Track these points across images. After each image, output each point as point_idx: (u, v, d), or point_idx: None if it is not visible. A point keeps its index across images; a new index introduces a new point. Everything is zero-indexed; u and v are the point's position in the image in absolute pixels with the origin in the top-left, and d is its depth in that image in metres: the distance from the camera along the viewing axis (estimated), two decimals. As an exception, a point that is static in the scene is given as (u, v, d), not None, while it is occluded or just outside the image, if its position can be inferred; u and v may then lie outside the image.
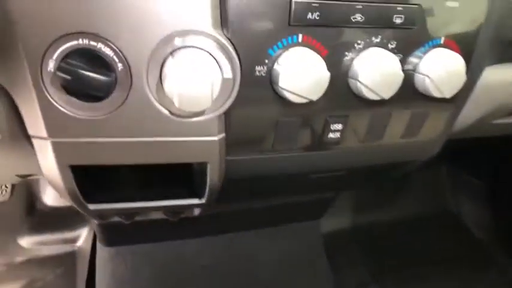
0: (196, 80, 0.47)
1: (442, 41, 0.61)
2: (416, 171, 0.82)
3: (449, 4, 0.59)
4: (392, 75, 0.56)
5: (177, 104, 0.47)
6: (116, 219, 0.81)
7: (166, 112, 0.51)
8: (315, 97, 0.54)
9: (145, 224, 1.08)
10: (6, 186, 1.30)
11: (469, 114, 0.80)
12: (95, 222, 1.09)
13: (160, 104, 0.50)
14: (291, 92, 0.52)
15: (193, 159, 0.57)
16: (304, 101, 0.53)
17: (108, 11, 0.45)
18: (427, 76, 0.59)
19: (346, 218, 1.67)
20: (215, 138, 0.55)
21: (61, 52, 0.46)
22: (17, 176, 0.77)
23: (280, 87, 0.52)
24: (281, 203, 1.18)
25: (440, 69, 0.59)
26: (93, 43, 0.47)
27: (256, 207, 1.19)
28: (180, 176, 0.64)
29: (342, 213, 1.70)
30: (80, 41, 0.46)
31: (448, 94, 0.61)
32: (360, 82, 0.55)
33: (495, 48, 0.71)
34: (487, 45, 0.67)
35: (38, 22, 0.44)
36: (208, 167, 0.58)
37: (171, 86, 0.47)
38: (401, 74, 0.56)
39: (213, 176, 0.59)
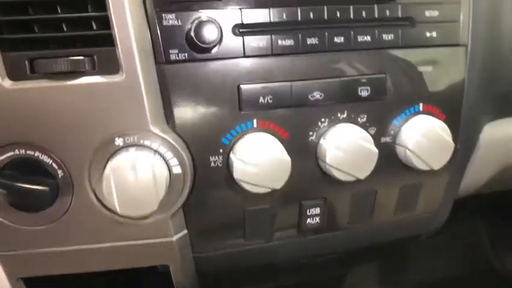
0: (137, 182, 0.43)
1: (420, 108, 0.55)
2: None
3: (422, 69, 0.54)
4: (365, 153, 0.51)
5: (118, 210, 0.43)
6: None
7: (112, 217, 0.47)
8: (277, 185, 0.49)
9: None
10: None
11: (476, 176, 0.72)
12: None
13: (106, 209, 0.46)
14: (248, 183, 0.47)
15: (151, 262, 0.52)
16: (266, 190, 0.48)
17: (40, 119, 0.44)
18: (407, 148, 0.53)
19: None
20: (172, 238, 0.50)
21: (-1, 163, 0.44)
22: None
23: (236, 178, 0.47)
24: (291, 283, 1.09)
25: (421, 139, 0.53)
26: (29, 152, 0.44)
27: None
28: (149, 277, 0.59)
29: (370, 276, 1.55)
30: (16, 152, 0.44)
31: (436, 165, 0.54)
32: (327, 164, 0.50)
33: (492, 102, 0.65)
34: (480, 102, 0.61)
35: None
36: (171, 268, 0.52)
37: (110, 191, 0.43)
38: (375, 151, 0.51)
39: (178, 277, 0.53)
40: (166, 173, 0.46)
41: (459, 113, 0.57)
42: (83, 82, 0.43)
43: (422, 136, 0.53)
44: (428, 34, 0.53)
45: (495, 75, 0.62)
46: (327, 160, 0.50)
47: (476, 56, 0.57)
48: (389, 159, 0.55)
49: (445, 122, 0.55)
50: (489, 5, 0.57)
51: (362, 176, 0.51)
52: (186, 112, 0.47)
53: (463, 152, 0.62)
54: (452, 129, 0.55)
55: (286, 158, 0.48)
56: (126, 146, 0.45)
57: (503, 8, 0.59)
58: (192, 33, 0.45)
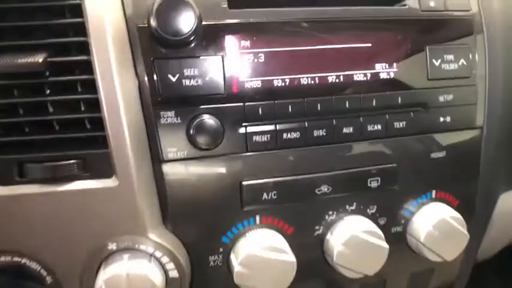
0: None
1: (433, 195, 0.52)
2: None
3: (435, 155, 0.51)
4: (375, 250, 0.48)
5: None
6: None
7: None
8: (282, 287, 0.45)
9: None
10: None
11: (493, 243, 0.69)
12: None
13: None
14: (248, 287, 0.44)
15: None
16: (269, 294, 0.45)
17: (29, 226, 0.41)
18: (419, 241, 0.50)
19: None
20: None
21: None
22: None
23: (237, 283, 0.44)
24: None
25: (433, 231, 0.50)
26: (17, 259, 0.42)
27: None
28: None
29: None
30: (2, 259, 0.41)
31: (449, 257, 0.51)
32: (334, 262, 0.47)
33: (507, 174, 0.62)
34: (495, 177, 0.58)
35: None
36: None
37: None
38: (385, 248, 0.48)
39: None
40: (162, 278, 0.43)
41: (474, 196, 0.54)
42: (73, 188, 0.40)
43: (435, 228, 0.50)
44: (442, 119, 0.50)
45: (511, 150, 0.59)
46: (334, 259, 0.47)
47: (492, 136, 0.54)
48: (400, 248, 0.52)
49: (459, 207, 0.52)
50: (505, 84, 0.54)
51: (371, 273, 0.48)
52: (185, 212, 0.44)
53: (479, 226, 0.59)
54: (467, 212, 0.52)
55: (291, 259, 0.45)
56: (120, 250, 0.42)
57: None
58: (193, 132, 0.42)
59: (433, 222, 0.50)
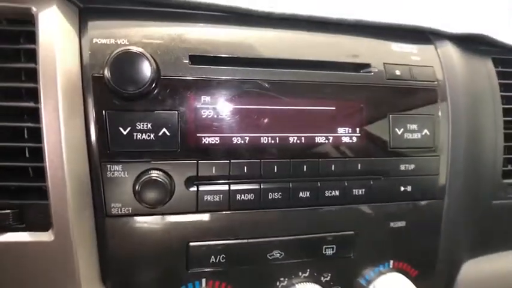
0: None
1: (391, 265, 0.50)
2: None
3: (394, 224, 0.49)
4: (325, 322, 0.45)
5: None
6: None
7: None
8: None
9: None
10: None
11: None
12: None
13: None
14: None
15: None
16: None
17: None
18: (374, 313, 0.48)
19: None
20: None
21: None
22: None
23: None
24: None
25: (389, 305, 0.47)
26: None
27: None
28: None
29: None
30: None
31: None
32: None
33: (470, 242, 0.60)
34: (459, 242, 0.57)
35: None
36: None
37: None
38: (336, 321, 0.45)
39: None
40: None
41: (434, 265, 0.53)
42: (6, 240, 0.38)
43: (391, 301, 0.47)
44: (402, 188, 0.49)
45: (473, 219, 0.58)
46: (282, 330, 0.44)
47: (453, 207, 0.53)
48: None
49: (417, 277, 0.51)
50: (467, 155, 0.53)
51: None
52: (127, 270, 0.42)
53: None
54: (426, 282, 0.50)
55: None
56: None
57: (483, 156, 0.55)
58: (139, 188, 0.40)
59: (390, 294, 0.48)
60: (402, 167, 0.49)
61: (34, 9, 0.40)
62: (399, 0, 0.61)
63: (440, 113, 0.51)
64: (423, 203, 0.51)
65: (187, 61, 0.43)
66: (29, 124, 0.39)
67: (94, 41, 0.42)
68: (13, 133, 0.40)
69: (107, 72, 0.39)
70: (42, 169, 0.38)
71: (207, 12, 0.47)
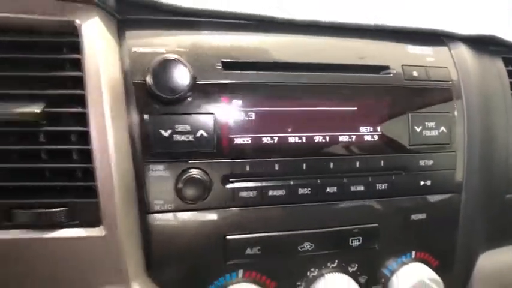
0: None
1: (413, 256, 0.53)
2: None
3: (415, 217, 0.52)
4: (354, 310, 0.48)
5: None
6: None
7: None
8: None
9: None
10: None
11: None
12: None
13: None
14: None
15: None
16: None
17: (15, 271, 0.42)
18: (399, 301, 0.51)
19: None
20: None
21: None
22: None
23: None
24: None
25: (412, 293, 0.50)
26: None
27: None
28: None
29: None
30: None
31: (426, 318, 0.51)
32: (314, 321, 0.47)
33: (486, 235, 0.63)
34: (474, 238, 0.60)
35: None
36: None
37: None
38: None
39: None
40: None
41: (453, 256, 0.56)
42: (60, 236, 0.41)
43: (413, 288, 0.50)
44: (422, 182, 0.52)
45: (488, 213, 0.60)
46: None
47: (471, 200, 0.56)
48: None
49: (438, 267, 0.53)
50: (482, 154, 0.56)
51: (349, 333, 0.48)
52: (168, 262, 0.45)
53: (458, 286, 0.60)
54: (446, 272, 0.53)
55: (271, 315, 0.45)
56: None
57: (495, 153, 0.58)
58: (180, 186, 0.43)
59: (412, 283, 0.51)
60: (422, 163, 0.52)
61: (78, 21, 0.43)
62: (409, 4, 0.64)
63: (456, 112, 0.54)
64: (442, 196, 0.54)
65: (220, 67, 0.46)
66: (78, 128, 0.42)
67: (133, 50, 0.45)
68: (59, 137, 0.43)
69: (149, 79, 0.42)
70: (90, 170, 0.41)
71: (235, 20, 0.50)
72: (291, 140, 0.47)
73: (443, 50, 0.57)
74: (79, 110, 0.42)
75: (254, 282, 0.47)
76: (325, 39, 0.52)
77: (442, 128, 0.53)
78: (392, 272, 0.52)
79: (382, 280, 0.52)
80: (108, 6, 0.47)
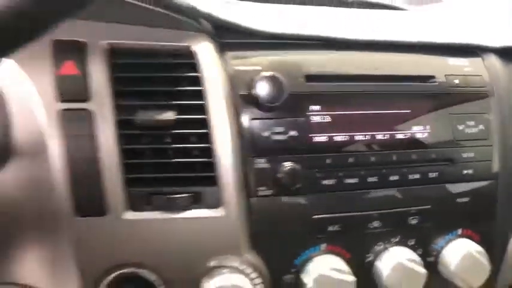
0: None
1: (459, 232, 0.64)
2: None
3: (460, 200, 0.64)
4: (415, 275, 0.59)
5: None
6: None
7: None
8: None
9: None
10: None
11: (507, 274, 0.79)
12: None
13: None
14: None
15: None
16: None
17: (151, 244, 0.53)
18: (449, 269, 0.62)
19: None
20: None
21: (111, 278, 0.52)
22: None
23: (308, 298, 0.55)
24: None
25: (460, 262, 0.61)
26: (139, 270, 0.53)
27: None
28: None
29: None
30: (125, 270, 0.53)
31: (475, 284, 0.62)
32: (383, 284, 0.58)
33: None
34: (508, 218, 0.70)
35: (96, 253, 0.51)
36: None
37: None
38: (424, 272, 0.59)
39: None
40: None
41: (493, 233, 0.67)
42: (190, 216, 0.53)
43: (462, 259, 0.61)
44: (465, 171, 0.64)
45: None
46: (383, 280, 0.58)
47: (505, 186, 0.67)
48: (433, 275, 0.63)
49: (480, 242, 0.64)
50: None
51: (413, 293, 0.59)
52: (268, 238, 0.56)
53: (497, 259, 0.70)
54: (487, 247, 0.63)
55: (351, 279, 0.56)
56: (221, 267, 0.54)
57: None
58: (279, 175, 0.55)
59: (461, 254, 0.62)
60: (464, 155, 0.63)
61: (193, 47, 0.56)
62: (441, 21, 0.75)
63: (491, 112, 0.65)
64: (482, 183, 0.65)
65: (303, 80, 0.58)
66: (202, 131, 0.53)
67: (236, 68, 0.57)
68: (182, 138, 0.54)
69: (254, 92, 0.54)
70: (209, 164, 0.53)
71: (312, 41, 0.62)
72: (361, 137, 0.59)
73: (477, 60, 0.69)
74: (203, 116, 0.54)
75: (334, 253, 0.59)
76: (382, 55, 0.64)
77: (480, 126, 0.64)
78: (443, 246, 0.63)
79: (435, 253, 0.63)
80: (211, 32, 0.59)
